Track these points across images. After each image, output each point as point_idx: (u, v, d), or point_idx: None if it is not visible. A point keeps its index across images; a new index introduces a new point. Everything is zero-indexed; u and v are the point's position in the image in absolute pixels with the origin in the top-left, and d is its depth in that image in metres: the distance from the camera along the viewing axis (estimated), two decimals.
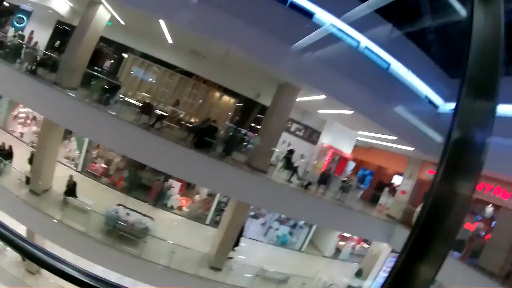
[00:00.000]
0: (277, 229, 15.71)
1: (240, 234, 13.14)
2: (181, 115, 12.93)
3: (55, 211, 11.21)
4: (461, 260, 10.20)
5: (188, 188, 15.75)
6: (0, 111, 16.53)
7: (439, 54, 16.95)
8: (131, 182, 15.00)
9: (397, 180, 16.24)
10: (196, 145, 10.20)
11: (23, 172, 11.85)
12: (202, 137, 10.24)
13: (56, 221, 10.91)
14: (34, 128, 16.18)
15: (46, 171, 12.11)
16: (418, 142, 12.45)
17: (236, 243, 13.08)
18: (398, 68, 14.18)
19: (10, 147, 13.11)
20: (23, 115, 16.74)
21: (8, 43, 13.17)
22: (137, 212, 12.07)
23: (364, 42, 13.54)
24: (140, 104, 11.14)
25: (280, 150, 12.43)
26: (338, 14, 12.90)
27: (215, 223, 14.46)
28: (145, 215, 12.09)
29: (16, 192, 11.16)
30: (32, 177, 11.84)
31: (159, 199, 14.80)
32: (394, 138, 13.06)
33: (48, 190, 12.23)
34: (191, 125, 11.75)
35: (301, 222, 15.73)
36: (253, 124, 16.46)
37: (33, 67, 11.98)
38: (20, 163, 12.58)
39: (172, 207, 14.96)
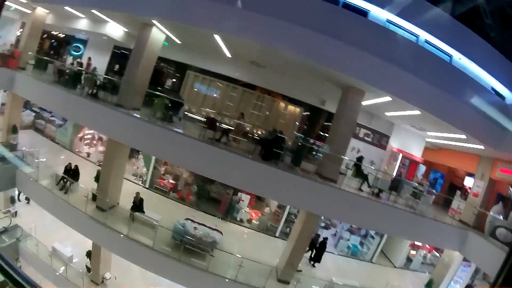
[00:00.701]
0: (347, 240, 15.22)
1: (322, 249, 12.82)
2: (247, 128, 12.87)
3: (122, 227, 11.43)
4: None
5: (258, 201, 15.70)
6: (66, 134, 17.50)
7: (500, 39, 15.82)
8: (199, 196, 15.18)
9: (468, 181, 15.17)
10: (263, 157, 9.97)
11: (90, 189, 12.20)
12: (270, 149, 9.99)
13: (122, 235, 11.11)
14: (101, 148, 16.92)
15: (113, 188, 12.47)
16: (488, 138, 11.42)
17: (318, 259, 12.83)
18: (461, 59, 13.32)
19: (76, 166, 13.65)
20: (89, 136, 17.56)
21: (67, 71, 13.79)
22: (205, 226, 12.05)
23: (423, 35, 12.87)
24: (204, 119, 11.13)
25: (349, 157, 11.91)
26: (391, 8, 12.42)
27: (285, 235, 14.23)
28: (213, 229, 12.04)
29: (83, 209, 11.56)
30: (99, 194, 12.20)
31: (229, 212, 14.82)
32: (464, 136, 12.12)
33: (115, 207, 12.56)
34: (258, 137, 11.56)
35: (372, 232, 15.07)
36: (320, 132, 16.12)
37: (94, 91, 12.49)
38: (87, 182, 13.07)
39: (241, 220, 14.91)
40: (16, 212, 14.92)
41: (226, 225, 14.14)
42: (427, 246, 16.07)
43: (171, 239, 11.31)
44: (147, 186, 15.44)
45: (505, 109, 12.14)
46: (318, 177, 10.31)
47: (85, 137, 17.53)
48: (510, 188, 13.06)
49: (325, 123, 15.86)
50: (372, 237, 15.37)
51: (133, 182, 15.42)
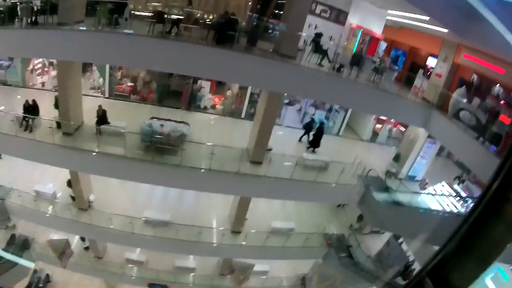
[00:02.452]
0: (313, 114, 15.49)
1: (320, 133, 13.18)
2: (197, 15, 12.18)
3: (92, 145, 11.28)
4: (497, 155, 9.58)
5: (219, 86, 15.60)
6: (16, 72, 16.47)
7: None
8: (160, 92, 14.93)
9: (431, 62, 15.21)
10: (218, 41, 9.65)
11: (52, 119, 11.73)
12: (223, 32, 9.62)
13: (94, 153, 11.03)
14: (54, 73, 16.04)
15: (74, 109, 11.94)
16: (452, 23, 11.03)
17: (317, 144, 13.31)
18: None
19: (34, 101, 12.92)
20: (39, 65, 16.59)
21: (1, 8, 12.36)
22: (171, 120, 12.03)
23: None
24: (151, 14, 10.44)
25: (307, 34, 11.66)
26: None
27: (250, 116, 14.41)
28: (180, 122, 12.04)
29: (50, 141, 11.12)
30: (62, 119, 11.74)
31: (192, 102, 14.81)
32: (426, 18, 11.82)
33: (80, 127, 12.23)
34: (209, 23, 11.04)
35: (337, 106, 15.43)
36: (275, 11, 15.33)
37: (33, 19, 11.41)
38: (48, 112, 12.46)
39: (205, 108, 14.99)
40: None
41: (192, 115, 14.21)
42: (391, 121, 16.73)
43: (140, 143, 11.28)
44: (107, 96, 15.04)
45: None
46: (277, 55, 10.13)
47: (36, 67, 16.57)
48: (474, 75, 13.24)
49: (278, 2, 15.08)
50: (337, 111, 15.77)
51: (92, 96, 14.95)
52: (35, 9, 11.68)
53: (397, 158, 14.68)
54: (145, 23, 10.64)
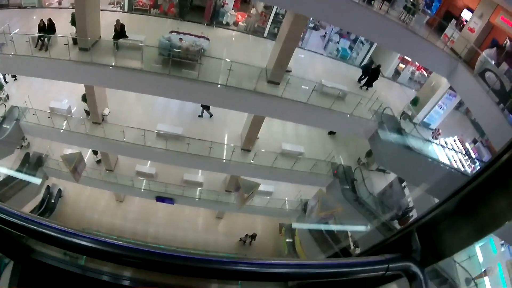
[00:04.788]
0: (337, 42, 15.14)
1: (376, 75, 12.94)
2: None
3: (109, 59, 11.06)
4: None
5: (243, 3, 15.13)
6: None
7: None
8: (182, 6, 14.40)
9: (466, 15, 14.09)
10: None
11: (68, 35, 11.30)
12: None
13: (111, 67, 10.85)
14: None
15: (91, 24, 11.47)
16: None
17: (370, 84, 13.21)
18: None
19: (50, 19, 12.40)
20: None
21: None
22: (191, 34, 11.72)
23: None
24: None
25: None
26: None
27: (273, 36, 14.00)
28: (199, 36, 11.76)
29: (66, 57, 10.86)
30: (78, 35, 11.38)
31: (214, 18, 14.35)
32: None
33: (97, 42, 11.85)
34: None
35: (362, 38, 14.84)
36: None
37: None
38: (66, 30, 12.09)
39: (228, 24, 14.54)
40: (7, 95, 14.65)
41: (213, 31, 13.83)
42: (415, 63, 16.11)
43: (158, 56, 11.08)
44: (126, 10, 14.56)
45: None
46: None
47: None
48: (508, 39, 12.37)
49: None
50: (362, 43, 15.27)
51: (111, 10, 14.46)
52: None
53: (415, 102, 14.37)
54: None
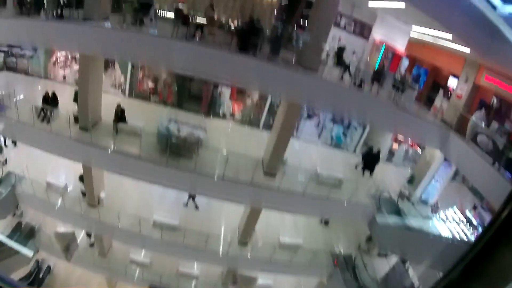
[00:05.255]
0: (331, 129, 15.36)
1: (376, 159, 13.24)
2: (222, 20, 12.16)
3: (108, 142, 11.33)
4: None
5: (239, 93, 15.26)
6: (39, 62, 16.67)
7: None
8: (180, 95, 14.84)
9: (452, 82, 14.99)
10: (241, 48, 9.62)
11: (70, 112, 11.74)
12: (247, 39, 9.59)
13: (109, 150, 11.08)
14: (76, 67, 16.05)
15: (93, 105, 12.02)
16: (476, 43, 10.82)
17: (372, 169, 13.36)
18: None
19: (54, 93, 13.10)
20: (62, 58, 16.77)
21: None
22: (188, 124, 12.01)
23: None
24: (176, 16, 10.47)
25: (330, 46, 11.61)
26: None
27: (268, 127, 14.24)
28: (197, 126, 12.02)
29: (67, 134, 11.24)
30: (80, 114, 11.87)
31: (211, 108, 14.69)
32: (450, 36, 11.70)
33: (98, 123, 12.32)
34: (234, 28, 11.05)
35: (355, 123, 15.24)
36: (300, 20, 15.09)
37: (59, 12, 11.61)
38: (67, 105, 12.55)
39: (224, 115, 14.85)
40: (6, 159, 14.73)
41: (210, 121, 14.10)
42: (409, 141, 16.38)
43: (156, 144, 11.30)
44: (127, 95, 15.12)
45: (495, 19, 11.56)
46: (298, 66, 10.03)
47: (59, 59, 16.74)
48: (494, 97, 13.06)
49: (304, 11, 14.96)
50: (355, 128, 15.52)
51: (113, 94, 14.99)
52: (61, 1, 11.93)
53: (411, 180, 14.38)
54: (170, 24, 10.79)
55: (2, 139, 15.10)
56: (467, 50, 11.90)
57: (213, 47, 9.68)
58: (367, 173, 13.48)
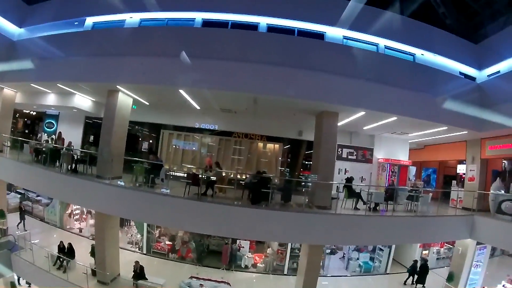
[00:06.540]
0: (357, 259, 15.00)
1: (426, 271, 13.17)
2: (230, 175, 12.68)
3: None
4: None
5: (258, 244, 15.33)
6: (54, 212, 17.17)
7: (456, 24, 16.25)
8: (199, 252, 14.81)
9: (461, 168, 15.28)
10: (252, 201, 9.83)
11: (87, 265, 11.93)
12: (257, 191, 9.86)
13: None
14: (91, 222, 16.45)
15: (110, 260, 12.10)
16: (469, 122, 11.76)
17: (423, 281, 13.29)
18: (423, 55, 13.63)
19: (70, 244, 13.31)
20: (78, 211, 17.16)
21: (44, 149, 13.63)
22: (211, 280, 11.72)
23: (382, 42, 13.14)
24: (186, 176, 10.96)
25: (338, 180, 11.93)
26: (343, 25, 12.65)
27: (293, 271, 13.88)
28: (220, 281, 11.73)
29: (84, 285, 11.18)
30: (98, 268, 11.88)
31: (232, 262, 14.48)
32: (445, 127, 12.28)
33: (116, 278, 12.21)
34: (243, 182, 11.45)
35: (379, 245, 14.91)
36: (305, 162, 16.04)
37: (73, 166, 12.35)
38: (84, 257, 12.79)
39: (246, 266, 14.56)
40: None
41: (233, 274, 13.77)
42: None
43: None
44: (144, 252, 15.08)
45: (478, 89, 12.41)
46: (311, 208, 10.18)
47: (74, 212, 17.16)
48: (504, 161, 13.21)
49: (307, 152, 15.81)
50: (381, 249, 15.15)
51: (129, 250, 15.07)
52: (75, 157, 12.71)
53: (450, 278, 13.57)
54: (181, 184, 11.23)
55: (16, 277, 14.64)
56: (464, 132, 12.66)
57: (225, 204, 9.82)
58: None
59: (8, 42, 13.86)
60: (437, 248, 16.00)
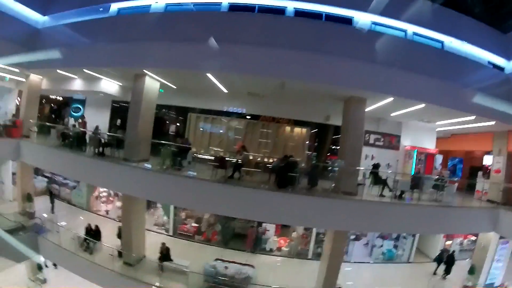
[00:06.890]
0: (381, 246, 14.96)
1: (452, 261, 13.27)
2: (258, 159, 12.74)
3: (152, 278, 11.32)
4: None
5: (283, 227, 15.43)
6: (81, 194, 17.65)
7: (485, 12, 15.74)
8: (225, 234, 15.00)
9: (487, 160, 14.97)
10: (279, 185, 9.87)
11: (114, 247, 12.18)
12: (284, 175, 9.90)
13: (154, 287, 11.00)
14: (118, 204, 16.78)
15: (136, 242, 12.41)
16: (497, 112, 11.39)
17: (448, 271, 13.39)
18: (452, 42, 13.26)
19: (97, 226, 13.66)
20: (104, 193, 17.56)
21: (71, 133, 13.91)
22: (235, 262, 11.90)
23: (410, 28, 12.85)
24: (213, 159, 11.07)
25: (365, 166, 11.85)
26: (373, 10, 12.42)
27: (317, 256, 13.90)
28: (244, 264, 11.89)
29: (110, 267, 11.54)
30: (123, 250, 12.20)
31: (257, 245, 14.63)
32: (473, 117, 12.01)
33: (142, 260, 12.52)
34: (270, 166, 11.50)
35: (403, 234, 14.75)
36: (332, 147, 15.92)
37: (100, 150, 12.58)
38: (110, 239, 13.10)
39: (271, 250, 14.70)
40: (45, 279, 14.95)
41: (257, 257, 13.93)
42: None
43: (203, 283, 11.17)
44: (170, 234, 15.37)
45: (506, 80, 12.07)
46: (337, 193, 10.18)
47: (101, 195, 17.56)
48: None
49: (334, 137, 15.68)
50: (405, 237, 15.04)
51: (156, 232, 15.38)
52: (102, 141, 12.96)
53: (472, 271, 13.46)
54: (207, 166, 11.35)
55: (42, 259, 15.33)
56: (491, 123, 12.27)
57: (252, 187, 9.91)
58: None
59: (32, 30, 13.94)
60: (460, 239, 15.80)
